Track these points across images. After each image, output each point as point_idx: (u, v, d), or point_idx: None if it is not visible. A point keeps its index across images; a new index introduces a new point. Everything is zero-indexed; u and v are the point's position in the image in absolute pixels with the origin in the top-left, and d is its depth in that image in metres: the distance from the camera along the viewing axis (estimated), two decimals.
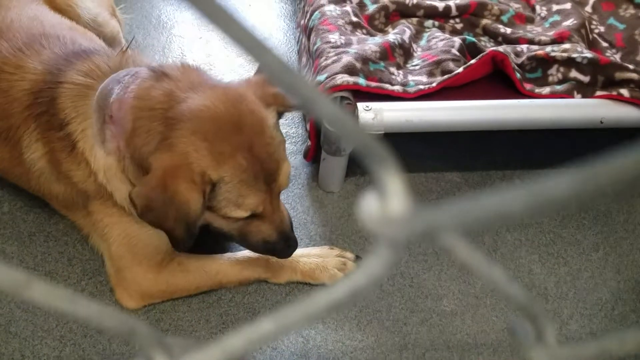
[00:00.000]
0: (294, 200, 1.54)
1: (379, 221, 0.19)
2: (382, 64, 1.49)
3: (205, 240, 1.43)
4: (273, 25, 2.06)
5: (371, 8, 1.68)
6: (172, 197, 1.00)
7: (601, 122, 1.44)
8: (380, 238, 0.19)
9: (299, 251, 1.37)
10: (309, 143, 1.55)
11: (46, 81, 1.17)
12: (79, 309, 0.23)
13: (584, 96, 1.49)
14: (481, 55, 1.50)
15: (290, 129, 1.72)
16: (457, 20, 1.72)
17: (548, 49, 1.55)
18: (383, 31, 1.68)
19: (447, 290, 1.38)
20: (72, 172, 1.19)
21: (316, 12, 1.63)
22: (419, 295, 1.37)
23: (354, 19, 1.61)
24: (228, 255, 1.33)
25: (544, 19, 1.73)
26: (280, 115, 1.14)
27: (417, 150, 1.68)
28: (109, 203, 1.21)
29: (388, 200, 0.19)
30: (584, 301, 1.39)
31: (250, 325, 0.23)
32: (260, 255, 1.33)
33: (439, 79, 1.48)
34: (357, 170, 1.60)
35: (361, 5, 1.69)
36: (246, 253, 1.34)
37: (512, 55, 1.54)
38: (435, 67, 1.52)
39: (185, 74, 1.09)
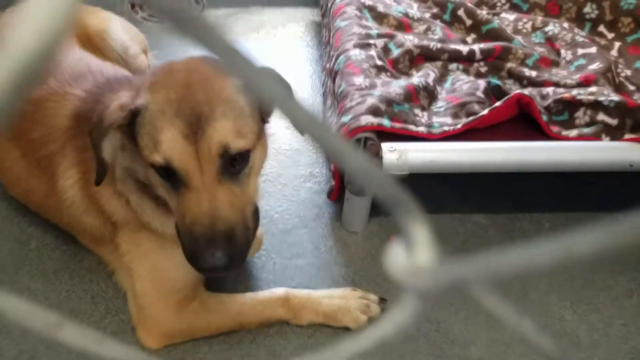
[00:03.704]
0: (317, 240, 1.54)
1: (406, 272, 0.19)
2: (407, 105, 1.50)
3: (225, 279, 1.43)
4: (300, 70, 2.10)
5: (395, 52, 1.71)
6: (99, 121, 1.02)
7: (630, 166, 1.42)
8: (407, 288, 0.19)
9: (321, 292, 1.35)
10: (333, 183, 1.55)
11: (87, 102, 1.20)
12: (106, 351, 0.23)
13: (612, 139, 1.47)
14: (506, 97, 1.50)
15: (315, 169, 1.73)
16: (482, 63, 1.73)
17: (574, 92, 1.54)
18: (407, 74, 1.69)
19: (475, 337, 1.34)
20: (100, 192, 1.20)
21: (342, 56, 1.66)
22: (446, 341, 1.33)
23: (379, 62, 1.63)
24: (249, 294, 1.33)
25: (570, 62, 1.73)
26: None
27: (441, 191, 1.67)
28: (136, 230, 1.21)
29: (415, 251, 0.19)
30: (617, 350, 1.33)
31: None
32: (281, 295, 1.31)
33: (464, 120, 1.48)
34: (381, 211, 1.59)
35: (386, 50, 1.72)
36: (267, 293, 1.33)
37: (538, 98, 1.53)
38: (460, 109, 1.52)
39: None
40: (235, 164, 0.98)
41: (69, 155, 1.23)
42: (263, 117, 1.07)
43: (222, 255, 0.96)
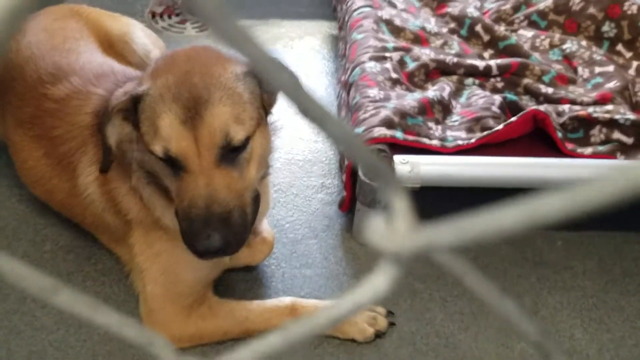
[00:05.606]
0: (327, 251, 1.54)
1: (383, 237, 0.19)
2: (421, 118, 1.51)
3: (234, 287, 1.44)
4: (315, 81, 2.12)
5: (411, 66, 1.72)
6: (105, 107, 1.09)
7: None
8: (384, 254, 0.20)
9: (328, 303, 1.35)
10: (344, 194, 1.55)
11: (107, 100, 1.22)
12: (100, 316, 0.24)
13: (627, 158, 1.46)
14: (522, 113, 1.50)
15: (327, 180, 1.74)
16: (498, 79, 1.73)
17: (590, 109, 1.53)
18: (422, 88, 1.70)
19: (484, 353, 1.33)
20: (117, 189, 1.22)
21: (357, 69, 1.67)
22: (455, 356, 1.32)
23: (394, 75, 1.64)
24: (257, 302, 1.33)
25: (586, 80, 1.72)
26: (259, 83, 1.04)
27: (453, 206, 1.66)
28: (150, 230, 1.22)
29: (393, 219, 0.19)
30: None
31: (259, 339, 0.23)
32: (288, 304, 1.32)
33: (478, 135, 1.48)
34: None
35: (401, 63, 1.73)
36: (275, 301, 1.33)
37: (554, 115, 1.53)
38: (475, 123, 1.52)
39: None
40: (233, 149, 1.00)
41: (89, 152, 1.26)
42: (265, 106, 1.08)
43: (218, 238, 0.96)
